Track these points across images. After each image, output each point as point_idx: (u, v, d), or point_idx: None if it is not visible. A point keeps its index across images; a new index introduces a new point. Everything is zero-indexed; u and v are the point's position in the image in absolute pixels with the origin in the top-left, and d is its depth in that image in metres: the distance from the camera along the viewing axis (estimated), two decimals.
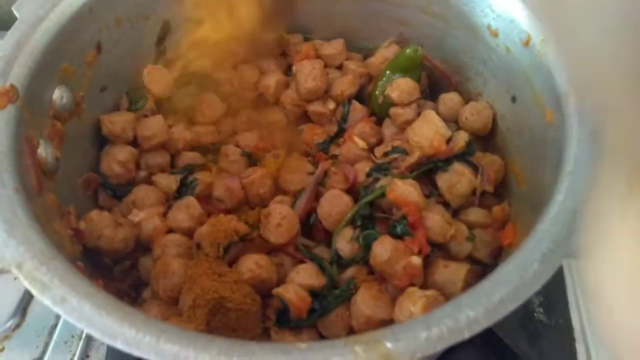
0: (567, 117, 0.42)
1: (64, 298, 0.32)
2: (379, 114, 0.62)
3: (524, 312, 0.59)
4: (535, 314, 0.59)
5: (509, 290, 0.32)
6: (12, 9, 0.47)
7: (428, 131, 0.54)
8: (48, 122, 0.48)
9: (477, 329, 0.31)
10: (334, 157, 0.60)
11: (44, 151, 0.46)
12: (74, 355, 0.57)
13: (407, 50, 0.60)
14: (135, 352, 0.31)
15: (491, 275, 0.34)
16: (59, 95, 0.49)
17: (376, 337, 0.31)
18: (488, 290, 0.33)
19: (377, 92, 0.61)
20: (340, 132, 0.63)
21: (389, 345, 0.30)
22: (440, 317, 0.32)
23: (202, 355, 0.30)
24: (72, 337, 0.59)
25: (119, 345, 0.31)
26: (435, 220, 0.48)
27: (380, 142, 0.60)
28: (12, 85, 0.43)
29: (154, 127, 0.57)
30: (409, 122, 0.58)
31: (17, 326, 0.61)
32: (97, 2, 0.52)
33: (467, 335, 0.31)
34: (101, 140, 0.57)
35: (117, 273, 0.52)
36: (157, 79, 0.60)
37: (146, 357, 0.31)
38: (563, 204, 0.37)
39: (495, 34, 0.53)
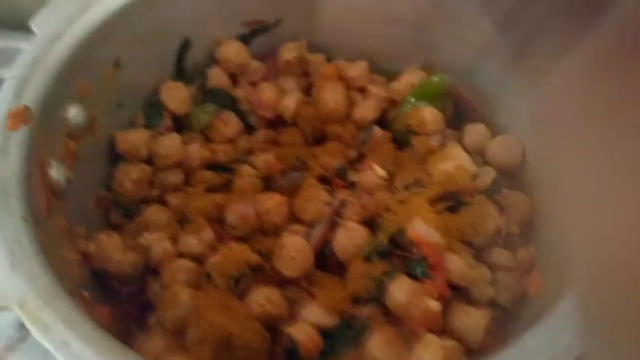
0: None
1: (66, 343, 0.31)
2: (401, 140, 0.60)
3: None
4: None
5: None
6: (31, 24, 0.46)
7: (452, 165, 0.51)
8: (61, 142, 0.46)
9: None
10: (352, 184, 0.58)
11: (56, 173, 0.45)
12: None
13: (434, 79, 0.58)
14: None
15: (519, 341, 0.32)
16: (74, 113, 0.48)
17: None
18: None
19: (400, 119, 0.59)
20: (360, 157, 0.61)
21: None
22: None
23: None
24: None
25: None
26: (457, 263, 0.46)
27: (400, 171, 0.58)
28: (25, 107, 0.41)
29: (170, 145, 0.56)
30: (432, 152, 0.56)
31: (22, 340, 0.60)
32: (117, 19, 0.50)
33: None
34: (114, 157, 0.55)
35: (125, 296, 0.51)
36: (175, 96, 0.59)
37: None
38: None
39: None
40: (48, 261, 0.37)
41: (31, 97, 0.43)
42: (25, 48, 0.44)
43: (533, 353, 0.30)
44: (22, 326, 0.60)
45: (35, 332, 0.31)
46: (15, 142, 0.40)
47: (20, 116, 0.40)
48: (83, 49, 0.48)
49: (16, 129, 0.40)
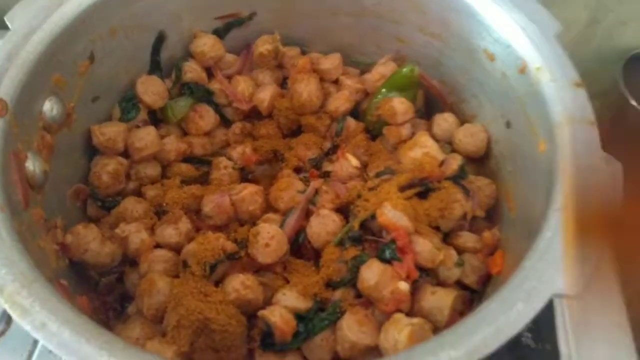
0: (559, 149, 0.42)
1: (44, 324, 0.32)
2: (373, 131, 0.62)
3: (512, 337, 0.59)
4: (523, 339, 0.59)
5: (491, 329, 0.32)
6: (5, 19, 0.47)
7: (421, 153, 0.53)
8: (37, 135, 0.47)
9: None
10: (327, 173, 0.59)
11: (32, 165, 0.45)
12: None
13: (404, 69, 0.59)
14: None
15: (475, 312, 0.34)
16: (49, 106, 0.49)
17: None
18: (471, 329, 0.33)
19: (372, 110, 0.61)
20: (334, 147, 0.62)
21: None
22: (423, 353, 0.32)
23: None
24: None
25: None
26: (425, 245, 0.48)
27: (373, 160, 0.60)
28: (1, 100, 0.42)
29: (145, 138, 0.57)
30: (402, 142, 0.58)
31: (2, 333, 0.60)
32: (91, 13, 0.51)
33: None
34: (92, 151, 0.56)
35: (103, 286, 0.52)
36: (150, 89, 0.60)
37: None
38: (550, 241, 0.36)
39: (492, 58, 0.53)
40: (26, 249, 0.38)
41: (6, 90, 0.43)
42: (2, 42, 0.44)
43: (488, 320, 0.32)
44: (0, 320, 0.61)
45: (14, 315, 0.32)
46: None
47: None
48: (58, 43, 0.49)
49: None
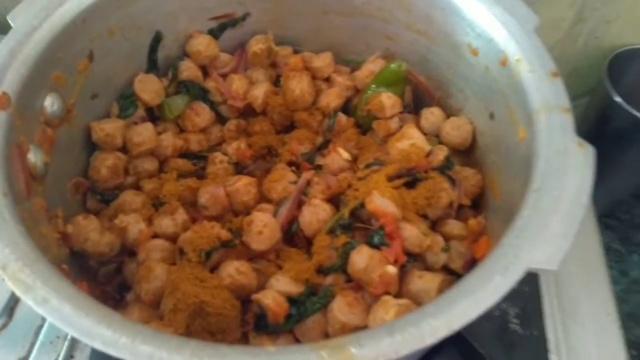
0: (536, 135, 0.44)
1: (46, 299, 0.34)
2: (363, 125, 0.64)
3: (500, 323, 0.61)
4: (511, 325, 0.61)
5: (471, 301, 0.34)
6: (8, 18, 0.49)
7: (408, 144, 0.55)
8: (39, 128, 0.49)
9: (438, 336, 0.33)
10: (319, 167, 0.61)
11: (34, 156, 0.47)
12: (58, 355, 0.59)
13: (392, 65, 0.62)
14: (112, 352, 0.32)
15: (456, 285, 0.36)
16: (50, 102, 0.51)
17: (342, 342, 0.32)
18: (451, 300, 0.34)
19: (361, 105, 0.63)
20: (326, 142, 0.64)
21: (353, 350, 0.32)
22: (404, 324, 0.33)
23: (175, 356, 0.31)
24: (58, 337, 0.60)
25: (97, 345, 0.32)
26: (412, 231, 0.50)
27: (363, 153, 0.62)
28: (4, 93, 0.44)
29: (143, 134, 0.59)
30: (391, 135, 0.60)
31: (4, 326, 0.62)
32: (90, 13, 0.53)
33: (428, 342, 0.32)
34: (91, 146, 0.58)
35: (102, 276, 0.54)
36: (148, 87, 0.62)
37: (122, 357, 0.32)
38: (528, 219, 0.38)
39: (475, 53, 0.55)
40: (29, 234, 0.40)
41: (9, 85, 0.45)
42: (4, 40, 0.47)
43: (467, 292, 0.34)
44: (2, 315, 0.63)
45: (17, 291, 0.34)
46: None
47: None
48: (58, 42, 0.51)
49: None
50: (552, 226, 0.37)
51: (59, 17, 0.51)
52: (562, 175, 0.40)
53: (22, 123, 0.46)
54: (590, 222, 0.72)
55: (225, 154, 0.63)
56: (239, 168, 0.64)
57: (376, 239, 0.50)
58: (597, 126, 0.89)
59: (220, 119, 0.67)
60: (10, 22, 0.49)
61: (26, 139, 0.47)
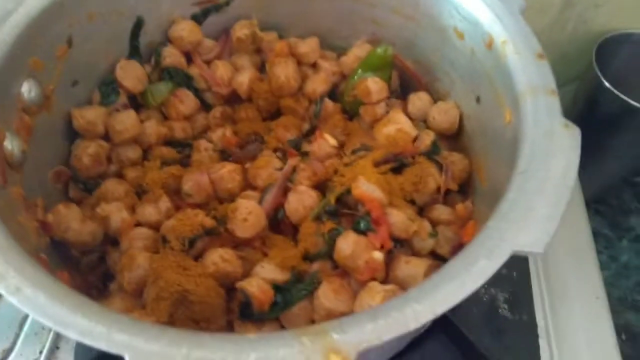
0: (523, 117, 0.43)
1: (19, 288, 0.33)
2: (350, 111, 0.63)
3: (489, 308, 0.61)
4: (500, 310, 0.61)
5: (455, 285, 0.33)
6: None
7: (394, 129, 0.55)
8: (16, 116, 0.48)
9: (422, 320, 0.32)
10: (306, 154, 0.61)
11: (10, 144, 0.46)
12: (43, 346, 0.58)
13: (378, 50, 0.61)
14: (87, 342, 0.31)
15: (440, 270, 0.35)
16: (27, 88, 0.49)
17: (323, 328, 0.32)
18: (435, 284, 0.34)
19: (348, 90, 0.62)
20: (312, 129, 0.64)
21: (335, 336, 0.31)
22: (387, 309, 0.33)
23: (152, 345, 0.31)
24: (43, 329, 0.59)
25: (72, 335, 0.32)
26: (399, 216, 0.49)
27: (350, 139, 0.61)
28: None
29: (125, 121, 0.58)
30: (378, 120, 0.60)
31: None
32: None
33: (412, 326, 0.32)
34: (73, 134, 0.57)
35: (85, 265, 0.53)
36: (130, 74, 0.60)
37: (98, 346, 0.31)
38: (513, 202, 0.38)
39: (461, 36, 0.54)
40: (3, 223, 0.39)
41: None
42: None
43: (452, 276, 0.34)
44: None
45: None
46: None
47: None
48: (35, 26, 0.49)
49: None
50: (537, 209, 0.36)
51: (35, 1, 0.50)
52: (548, 157, 0.40)
53: None
54: (579, 207, 0.72)
55: (210, 141, 0.62)
56: (225, 155, 0.63)
57: (362, 225, 0.49)
58: (587, 111, 0.88)
59: (205, 106, 0.66)
60: None
61: (2, 126, 0.46)
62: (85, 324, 0.32)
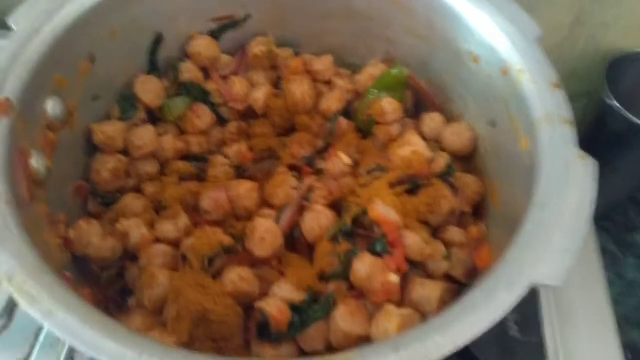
0: (539, 146, 0.44)
1: (51, 311, 0.34)
2: (364, 130, 0.64)
3: (499, 329, 0.61)
4: (510, 331, 0.62)
5: (475, 317, 0.34)
6: (9, 22, 0.48)
7: (409, 151, 0.56)
8: (41, 133, 0.49)
9: (443, 352, 0.33)
10: (320, 171, 0.61)
11: (36, 162, 0.47)
12: (59, 358, 0.59)
13: (393, 71, 0.62)
14: None
15: (460, 301, 0.36)
16: (52, 106, 0.50)
17: (346, 357, 0.33)
18: (456, 316, 0.35)
19: (362, 109, 0.63)
20: (326, 146, 0.64)
21: None
22: (410, 340, 0.34)
23: None
24: (58, 340, 0.60)
25: (103, 359, 0.32)
26: (414, 239, 0.50)
27: (364, 158, 0.62)
28: (7, 99, 0.44)
29: (144, 136, 0.59)
30: (392, 140, 0.60)
31: (4, 328, 0.62)
32: (92, 15, 0.53)
33: (433, 358, 0.33)
34: (92, 148, 0.58)
35: (104, 280, 0.54)
36: (148, 89, 0.61)
37: None
38: (531, 234, 0.39)
39: (476, 60, 0.55)
40: (32, 242, 0.40)
41: (11, 90, 0.45)
42: (4, 44, 0.46)
43: (472, 308, 0.35)
44: (2, 315, 0.62)
45: (23, 304, 0.34)
46: None
47: (2, 108, 0.43)
48: (59, 45, 0.50)
49: None
50: (555, 241, 0.37)
51: (60, 20, 0.51)
52: (565, 189, 0.40)
53: (24, 128, 0.46)
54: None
55: (226, 156, 0.63)
56: (240, 170, 0.63)
57: (378, 247, 0.50)
58: (594, 130, 0.89)
59: (221, 121, 0.67)
60: (11, 25, 0.48)
61: (29, 144, 0.47)
62: (116, 348, 0.33)
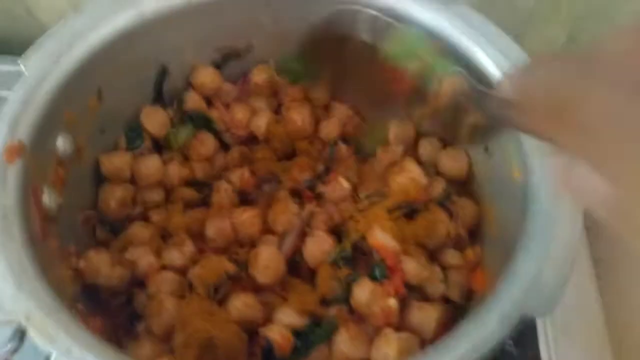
0: (530, 179, 0.46)
1: (69, 349, 0.36)
2: (364, 152, 0.66)
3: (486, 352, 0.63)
4: (506, 346, 0.63)
5: (468, 346, 0.36)
6: (19, 63, 0.50)
7: (407, 178, 0.58)
8: (52, 170, 0.51)
9: None
10: (320, 195, 0.63)
11: (48, 199, 0.49)
12: None
13: None
14: None
15: (455, 332, 0.38)
16: (61, 142, 0.52)
17: None
18: (451, 346, 0.37)
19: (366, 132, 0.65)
20: (326, 170, 0.66)
21: None
22: None
23: None
24: None
25: None
26: (412, 263, 0.52)
27: (363, 182, 0.64)
28: (20, 141, 0.46)
29: (150, 165, 0.61)
30: (392, 164, 0.62)
31: (15, 351, 0.63)
32: (99, 54, 0.54)
33: None
34: (99, 178, 0.60)
35: (114, 307, 0.56)
36: (153, 119, 0.63)
37: None
38: (522, 268, 0.41)
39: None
40: (47, 279, 0.42)
41: (24, 132, 0.47)
42: (17, 87, 0.48)
43: (466, 338, 0.37)
44: (13, 338, 0.64)
45: (41, 342, 0.36)
46: (12, 173, 0.45)
47: (15, 150, 0.45)
48: (68, 84, 0.52)
49: (12, 161, 0.45)
50: (545, 274, 0.39)
51: (69, 60, 0.52)
52: (555, 220, 0.42)
53: (36, 167, 0.48)
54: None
55: (229, 182, 0.65)
56: (243, 195, 0.65)
57: (377, 272, 0.52)
58: None
59: (223, 146, 0.69)
60: (22, 67, 0.50)
61: (41, 182, 0.49)
62: None
